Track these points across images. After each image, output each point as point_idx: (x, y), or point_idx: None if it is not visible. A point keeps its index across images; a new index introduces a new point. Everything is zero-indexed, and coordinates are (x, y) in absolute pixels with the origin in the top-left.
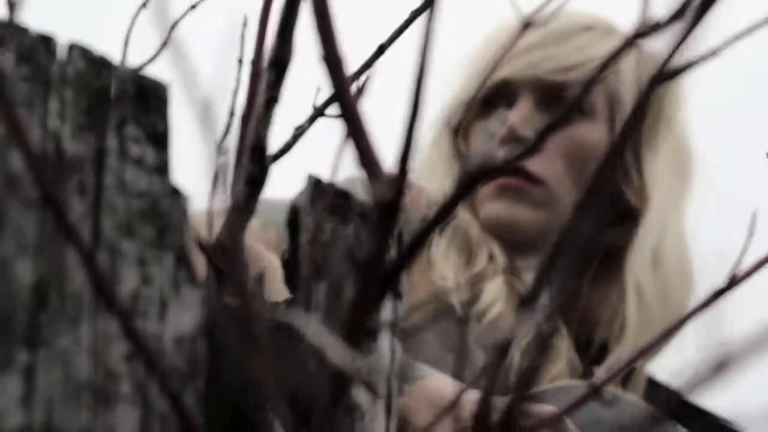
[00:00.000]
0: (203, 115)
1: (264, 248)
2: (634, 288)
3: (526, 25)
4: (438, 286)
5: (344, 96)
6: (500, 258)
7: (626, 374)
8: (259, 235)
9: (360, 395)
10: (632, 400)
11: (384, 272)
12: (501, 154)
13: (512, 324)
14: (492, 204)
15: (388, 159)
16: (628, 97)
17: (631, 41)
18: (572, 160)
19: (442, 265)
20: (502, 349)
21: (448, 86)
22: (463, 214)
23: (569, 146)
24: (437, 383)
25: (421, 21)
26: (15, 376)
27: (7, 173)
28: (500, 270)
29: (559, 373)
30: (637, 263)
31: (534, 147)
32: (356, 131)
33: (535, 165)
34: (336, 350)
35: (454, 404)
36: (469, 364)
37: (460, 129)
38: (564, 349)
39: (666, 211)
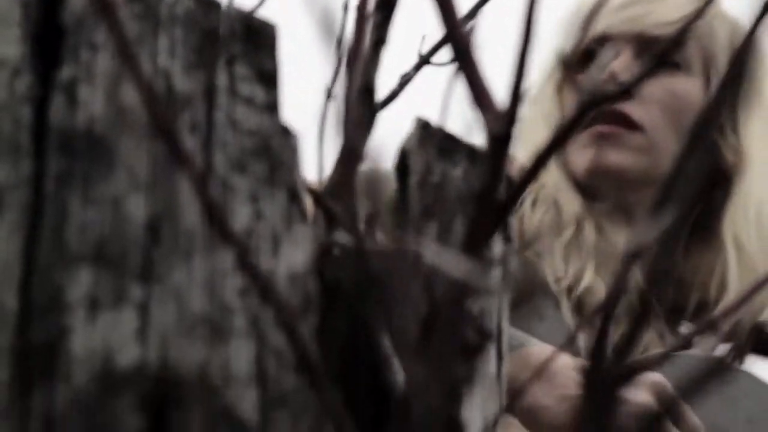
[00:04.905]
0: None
1: None
2: (734, 243)
3: None
4: (530, 261)
5: (456, 33)
6: (588, 228)
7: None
8: None
9: (473, 336)
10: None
11: (496, 206)
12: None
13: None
14: (588, 152)
15: (498, 96)
16: (722, 55)
17: None
18: (670, 110)
19: (533, 239)
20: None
21: (548, 45)
22: (552, 176)
23: (667, 97)
24: (539, 350)
25: None
26: (130, 311)
27: (119, 108)
28: (587, 240)
29: (649, 340)
30: (738, 219)
31: (636, 84)
32: (467, 66)
33: (633, 111)
34: (455, 263)
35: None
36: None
37: (559, 84)
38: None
39: None
